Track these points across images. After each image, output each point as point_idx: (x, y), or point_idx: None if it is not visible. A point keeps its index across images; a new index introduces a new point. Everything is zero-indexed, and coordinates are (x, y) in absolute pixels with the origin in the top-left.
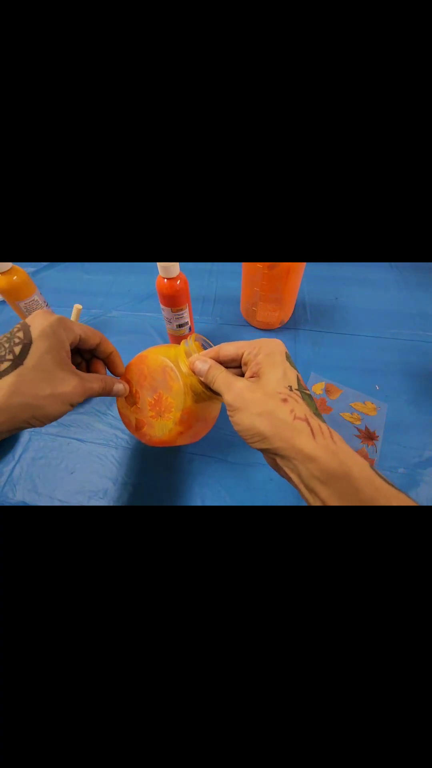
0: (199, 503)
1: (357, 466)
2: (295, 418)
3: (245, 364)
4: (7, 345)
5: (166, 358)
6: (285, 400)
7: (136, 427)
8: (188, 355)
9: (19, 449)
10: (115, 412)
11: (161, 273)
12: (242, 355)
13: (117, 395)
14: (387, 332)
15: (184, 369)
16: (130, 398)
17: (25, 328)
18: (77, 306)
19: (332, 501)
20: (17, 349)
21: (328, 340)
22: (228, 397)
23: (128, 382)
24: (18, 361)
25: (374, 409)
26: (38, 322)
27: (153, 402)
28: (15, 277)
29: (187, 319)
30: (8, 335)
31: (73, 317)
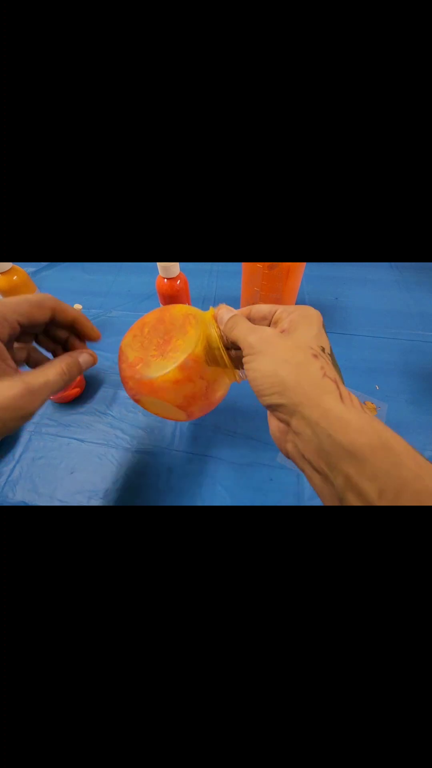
0: (199, 503)
1: (396, 438)
2: (324, 375)
3: (276, 321)
4: None
5: (194, 312)
6: (316, 356)
7: (130, 364)
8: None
9: (19, 449)
10: (115, 412)
11: (161, 273)
12: (275, 313)
13: (86, 368)
14: (387, 332)
15: (210, 329)
16: (139, 337)
17: None
18: (77, 306)
19: (363, 481)
20: None
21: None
22: (251, 338)
23: (144, 325)
24: None
25: (374, 409)
26: None
27: (161, 342)
28: (15, 277)
29: None
30: None
31: None
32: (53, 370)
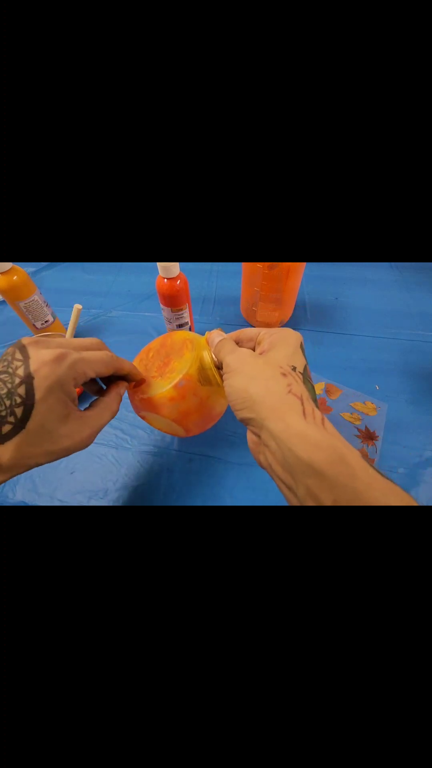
0: (199, 503)
1: (351, 452)
2: (290, 392)
3: (259, 343)
4: (7, 402)
5: (191, 338)
6: (284, 375)
7: (135, 384)
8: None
9: None
10: None
11: (161, 273)
12: (258, 335)
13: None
14: (387, 332)
15: (203, 353)
16: (144, 360)
17: (28, 384)
18: (77, 306)
19: (322, 491)
20: (19, 412)
21: (328, 340)
22: (228, 358)
23: (149, 350)
24: (20, 425)
25: (374, 409)
26: (44, 373)
27: (161, 365)
28: (15, 277)
29: (187, 319)
30: (8, 381)
31: (73, 318)
32: (108, 413)
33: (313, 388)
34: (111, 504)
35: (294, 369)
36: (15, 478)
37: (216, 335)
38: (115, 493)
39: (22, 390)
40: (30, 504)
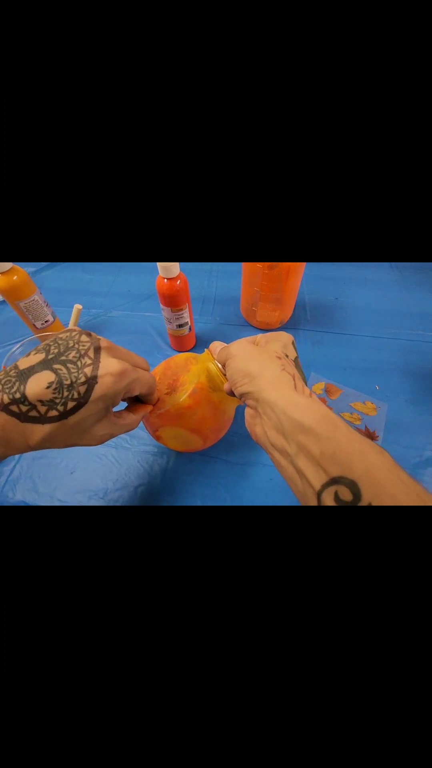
0: (199, 503)
1: (335, 415)
2: (283, 369)
3: (257, 343)
4: (66, 392)
5: (194, 355)
6: (279, 358)
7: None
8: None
9: None
10: None
11: (161, 273)
12: (255, 338)
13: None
14: (387, 332)
15: (209, 363)
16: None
17: (90, 385)
18: (77, 306)
19: (310, 444)
20: (70, 405)
21: (328, 340)
22: (230, 348)
23: (155, 375)
24: (64, 416)
25: (374, 409)
26: (106, 383)
27: (170, 383)
28: (15, 277)
29: (187, 319)
30: (74, 372)
31: (73, 318)
32: (129, 428)
33: (303, 375)
34: (111, 504)
35: (286, 356)
36: (15, 478)
37: (218, 344)
38: (115, 493)
39: (82, 389)
40: (30, 504)
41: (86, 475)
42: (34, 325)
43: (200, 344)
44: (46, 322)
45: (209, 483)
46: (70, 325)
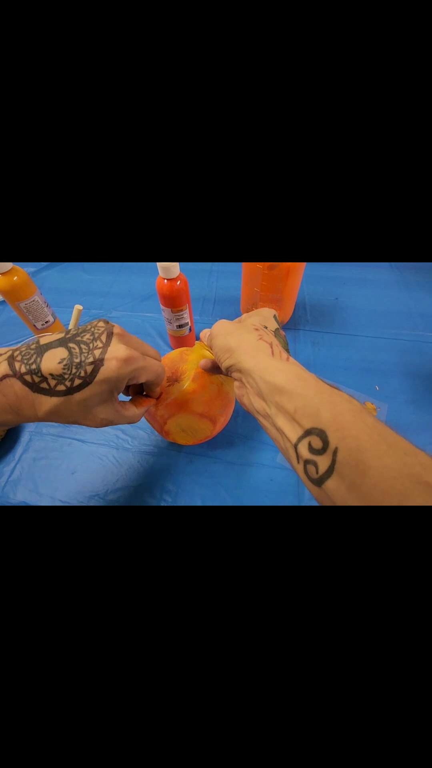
0: (199, 503)
1: (308, 372)
2: (260, 339)
3: (240, 321)
4: (74, 369)
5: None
6: (256, 329)
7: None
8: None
9: (19, 450)
10: None
11: (161, 273)
12: (241, 317)
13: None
14: (387, 332)
15: (203, 351)
16: None
17: (96, 367)
18: (78, 307)
19: (286, 402)
20: (77, 382)
21: (328, 340)
22: (213, 329)
23: None
24: (69, 392)
25: (374, 409)
26: (111, 366)
27: (170, 375)
28: (15, 277)
29: (188, 320)
30: (85, 352)
31: (73, 318)
32: (131, 420)
33: (285, 342)
34: (111, 504)
35: (265, 328)
36: (16, 479)
37: (207, 331)
38: (116, 494)
39: (89, 368)
40: (31, 504)
41: (87, 475)
42: (34, 325)
43: None
44: (46, 322)
45: (209, 483)
46: (71, 326)
